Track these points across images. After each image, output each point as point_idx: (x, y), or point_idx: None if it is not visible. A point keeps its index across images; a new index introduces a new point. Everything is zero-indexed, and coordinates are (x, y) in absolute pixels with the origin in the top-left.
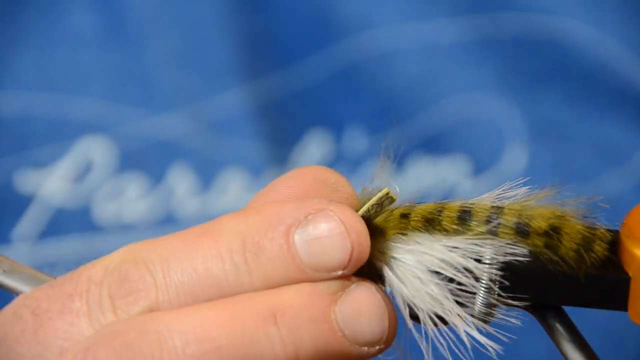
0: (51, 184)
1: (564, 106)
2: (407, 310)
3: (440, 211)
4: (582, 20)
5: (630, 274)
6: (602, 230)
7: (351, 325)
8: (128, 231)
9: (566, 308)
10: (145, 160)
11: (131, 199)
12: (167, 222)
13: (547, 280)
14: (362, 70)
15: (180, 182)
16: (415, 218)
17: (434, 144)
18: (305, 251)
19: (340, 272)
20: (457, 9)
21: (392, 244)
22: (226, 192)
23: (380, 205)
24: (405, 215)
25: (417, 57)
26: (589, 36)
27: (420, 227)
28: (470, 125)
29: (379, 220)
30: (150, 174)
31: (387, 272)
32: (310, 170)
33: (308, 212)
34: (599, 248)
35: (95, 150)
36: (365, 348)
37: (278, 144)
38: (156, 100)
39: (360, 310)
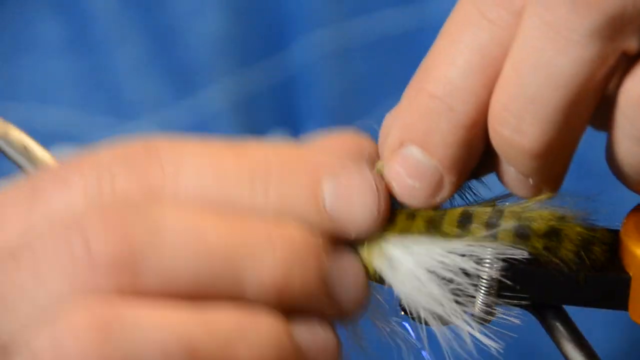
0: None
1: None
2: (408, 309)
3: (442, 216)
4: None
5: (631, 274)
6: (602, 232)
7: (337, 284)
8: None
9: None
10: None
11: None
12: None
13: (547, 280)
14: (318, 69)
15: None
16: (419, 220)
17: None
18: (330, 199)
19: (353, 234)
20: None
21: (392, 243)
22: None
23: None
24: (410, 217)
25: (369, 51)
26: None
27: (422, 230)
28: None
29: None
30: None
31: (387, 272)
32: (349, 137)
33: (343, 166)
34: (599, 249)
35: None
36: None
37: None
38: (125, 107)
39: (346, 277)
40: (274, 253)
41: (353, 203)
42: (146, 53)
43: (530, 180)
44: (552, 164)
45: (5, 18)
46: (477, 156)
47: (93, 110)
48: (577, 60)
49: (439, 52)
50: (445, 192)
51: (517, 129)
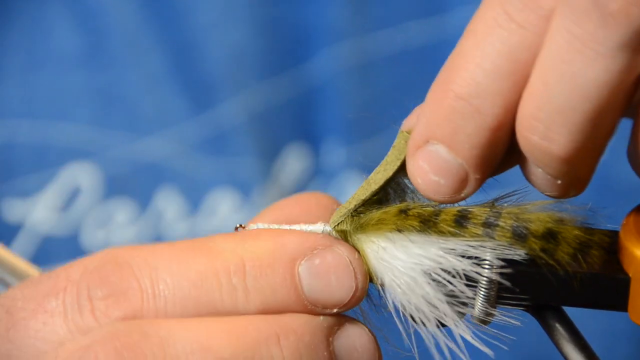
0: (39, 212)
1: None
2: (406, 310)
3: (437, 214)
4: None
5: (630, 274)
6: (600, 235)
7: (346, 358)
8: None
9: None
10: (132, 184)
11: (120, 224)
12: None
13: (547, 282)
14: (338, 82)
15: (169, 205)
16: (412, 216)
17: None
18: (308, 283)
19: (336, 310)
20: (423, 11)
21: (388, 240)
22: (215, 213)
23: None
24: (403, 212)
25: (389, 64)
26: None
27: (416, 226)
28: None
29: (375, 214)
30: (138, 198)
31: (382, 273)
32: (311, 196)
33: (314, 246)
34: (597, 253)
35: (82, 176)
36: None
37: (263, 159)
38: (141, 123)
39: (355, 346)
40: (281, 351)
41: (330, 284)
42: (164, 67)
43: (559, 182)
44: (580, 167)
45: (24, 30)
46: (502, 154)
47: (109, 126)
48: (605, 73)
49: (466, 53)
50: (470, 188)
51: (546, 136)
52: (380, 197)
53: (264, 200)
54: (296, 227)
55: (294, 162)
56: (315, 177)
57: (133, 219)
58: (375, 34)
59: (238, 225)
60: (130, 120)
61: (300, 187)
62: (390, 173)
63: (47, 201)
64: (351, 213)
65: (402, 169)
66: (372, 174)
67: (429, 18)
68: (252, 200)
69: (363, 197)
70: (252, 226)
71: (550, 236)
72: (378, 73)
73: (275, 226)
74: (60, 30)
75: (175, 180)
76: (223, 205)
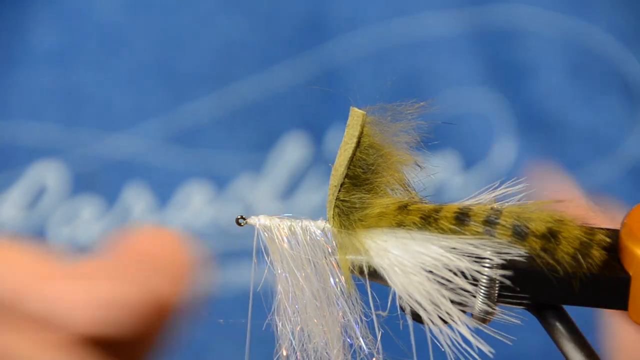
0: (5, 211)
1: (551, 96)
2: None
3: (437, 211)
4: (565, 11)
5: (631, 273)
6: (601, 235)
7: None
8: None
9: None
10: (100, 181)
11: (86, 220)
12: None
13: (547, 280)
14: (347, 71)
15: (137, 200)
16: (413, 212)
17: (423, 141)
18: None
19: None
20: (442, 3)
21: (388, 237)
22: (187, 207)
23: (361, 129)
24: (402, 208)
25: (403, 54)
26: (572, 25)
27: (417, 222)
28: (459, 120)
29: (375, 210)
30: (106, 194)
31: (382, 269)
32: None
33: None
34: (597, 253)
35: (48, 174)
36: None
37: (252, 150)
38: (111, 120)
39: None
40: None
41: None
42: (139, 61)
43: None
44: None
45: (1, 28)
46: None
47: (78, 124)
48: None
49: None
50: None
51: None
52: (365, 184)
53: (239, 193)
54: (298, 223)
55: (291, 151)
56: (317, 164)
57: (99, 215)
58: (391, 22)
59: (239, 217)
60: (100, 117)
61: (300, 175)
62: (350, 152)
63: (14, 200)
64: (342, 205)
65: (358, 146)
66: (336, 160)
67: (446, 10)
68: (229, 191)
69: (336, 184)
70: (254, 219)
71: (551, 235)
72: (392, 62)
73: (277, 220)
74: (40, 26)
75: (144, 176)
76: (196, 198)
